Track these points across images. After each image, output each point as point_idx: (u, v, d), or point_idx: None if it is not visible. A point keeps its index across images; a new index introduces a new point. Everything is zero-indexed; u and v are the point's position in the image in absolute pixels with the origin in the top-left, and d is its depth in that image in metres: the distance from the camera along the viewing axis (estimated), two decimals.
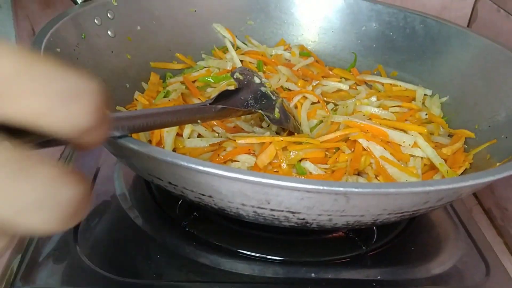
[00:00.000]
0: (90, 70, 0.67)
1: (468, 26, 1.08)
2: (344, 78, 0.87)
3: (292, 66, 0.85)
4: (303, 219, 0.49)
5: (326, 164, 0.63)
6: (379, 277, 0.58)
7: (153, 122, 0.46)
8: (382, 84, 0.86)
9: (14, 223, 0.23)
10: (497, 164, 0.61)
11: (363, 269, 0.59)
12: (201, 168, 0.42)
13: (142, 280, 0.54)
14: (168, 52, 0.83)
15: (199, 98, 0.74)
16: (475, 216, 0.87)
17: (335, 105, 0.78)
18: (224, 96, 0.58)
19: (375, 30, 0.91)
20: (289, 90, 0.79)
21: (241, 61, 0.85)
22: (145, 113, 0.46)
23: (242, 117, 0.68)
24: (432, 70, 0.85)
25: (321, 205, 0.46)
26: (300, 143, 0.63)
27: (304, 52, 0.90)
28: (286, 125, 0.65)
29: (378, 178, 0.63)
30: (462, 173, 0.65)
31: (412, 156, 0.66)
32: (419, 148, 0.66)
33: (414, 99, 0.81)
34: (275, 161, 0.62)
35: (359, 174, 0.63)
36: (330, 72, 0.88)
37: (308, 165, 0.62)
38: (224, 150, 0.63)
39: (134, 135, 0.68)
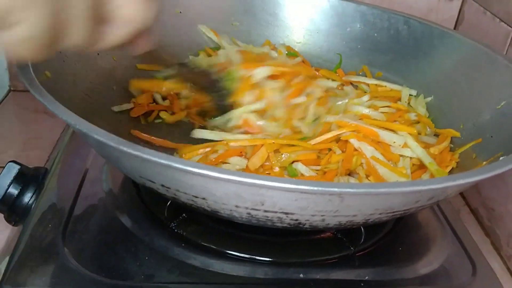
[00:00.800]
0: (77, 71, 0.67)
1: (454, 28, 1.09)
2: (331, 79, 0.87)
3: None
4: (296, 219, 0.49)
5: (319, 165, 0.63)
6: (367, 278, 0.58)
7: None
8: (368, 84, 0.86)
9: None
10: (483, 163, 0.62)
11: (351, 269, 0.60)
12: (196, 170, 0.42)
13: (131, 282, 0.54)
14: (155, 52, 0.83)
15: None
16: (463, 216, 0.88)
17: None
18: None
19: (359, 31, 0.91)
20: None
21: None
22: None
23: None
24: (417, 71, 0.85)
25: (315, 206, 0.47)
26: (293, 145, 0.63)
27: (291, 53, 0.91)
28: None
29: (369, 178, 0.63)
30: (449, 172, 0.66)
31: (402, 156, 0.66)
32: (409, 148, 0.67)
33: (399, 99, 0.82)
34: (267, 163, 0.62)
35: (350, 174, 0.64)
36: (317, 73, 0.88)
37: (300, 167, 0.62)
38: (215, 152, 0.63)
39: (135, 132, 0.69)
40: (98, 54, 0.73)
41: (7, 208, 0.64)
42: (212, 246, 0.60)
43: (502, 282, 0.60)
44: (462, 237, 0.65)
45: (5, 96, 1.10)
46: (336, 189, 0.43)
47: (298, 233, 0.63)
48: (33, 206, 0.64)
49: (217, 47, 0.89)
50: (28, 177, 0.66)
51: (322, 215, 0.48)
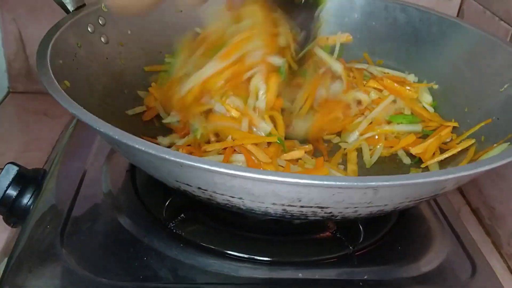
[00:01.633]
0: (91, 76, 0.68)
1: None
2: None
3: None
4: (330, 212, 0.50)
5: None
6: (365, 277, 0.58)
7: None
8: (371, 72, 0.87)
9: None
10: (494, 145, 0.64)
11: (350, 269, 0.59)
12: (239, 173, 0.44)
13: (130, 282, 0.54)
14: (160, 54, 0.84)
15: None
16: (463, 216, 0.88)
17: None
18: None
19: (357, 21, 0.92)
20: None
21: None
22: None
23: None
24: (418, 58, 0.86)
25: (350, 199, 0.48)
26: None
27: None
28: None
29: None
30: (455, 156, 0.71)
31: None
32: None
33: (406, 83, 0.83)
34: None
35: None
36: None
37: None
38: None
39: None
40: (107, 58, 0.74)
41: (6, 209, 0.64)
42: (211, 246, 0.60)
43: (503, 281, 0.60)
44: (462, 237, 0.65)
45: (4, 98, 1.10)
46: (373, 183, 0.45)
47: (297, 233, 0.63)
48: (32, 207, 0.64)
49: None
50: (27, 179, 0.66)
51: (355, 207, 0.50)
